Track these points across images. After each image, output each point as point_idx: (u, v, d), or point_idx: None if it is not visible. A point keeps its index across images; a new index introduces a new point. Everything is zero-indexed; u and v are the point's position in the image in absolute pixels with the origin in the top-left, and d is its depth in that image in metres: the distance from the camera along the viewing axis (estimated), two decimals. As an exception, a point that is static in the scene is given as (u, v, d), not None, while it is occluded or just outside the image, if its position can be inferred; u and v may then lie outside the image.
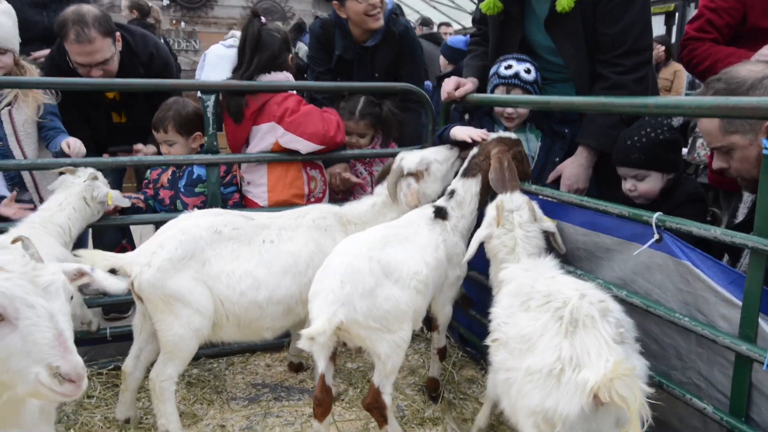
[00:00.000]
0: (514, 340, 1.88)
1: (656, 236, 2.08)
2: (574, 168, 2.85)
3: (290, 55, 3.26)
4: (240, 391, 2.98)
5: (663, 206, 2.56)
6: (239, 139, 3.23)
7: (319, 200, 3.33)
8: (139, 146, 3.57)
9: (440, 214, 2.62)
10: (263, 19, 3.17)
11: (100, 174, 2.88)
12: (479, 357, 3.19)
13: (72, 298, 1.58)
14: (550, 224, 2.40)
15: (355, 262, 2.24)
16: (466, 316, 3.18)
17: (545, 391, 1.68)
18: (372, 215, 2.86)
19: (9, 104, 3.04)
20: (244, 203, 3.32)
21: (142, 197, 3.27)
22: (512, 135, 2.76)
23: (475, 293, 3.06)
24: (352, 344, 2.37)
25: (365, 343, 2.28)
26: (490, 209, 2.40)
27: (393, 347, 2.29)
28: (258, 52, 3.09)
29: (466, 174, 2.68)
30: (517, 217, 2.32)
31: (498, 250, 2.34)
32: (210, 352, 3.16)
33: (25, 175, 3.17)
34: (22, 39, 3.20)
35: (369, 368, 3.08)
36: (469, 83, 3.12)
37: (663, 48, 8.00)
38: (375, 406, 2.33)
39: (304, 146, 3.12)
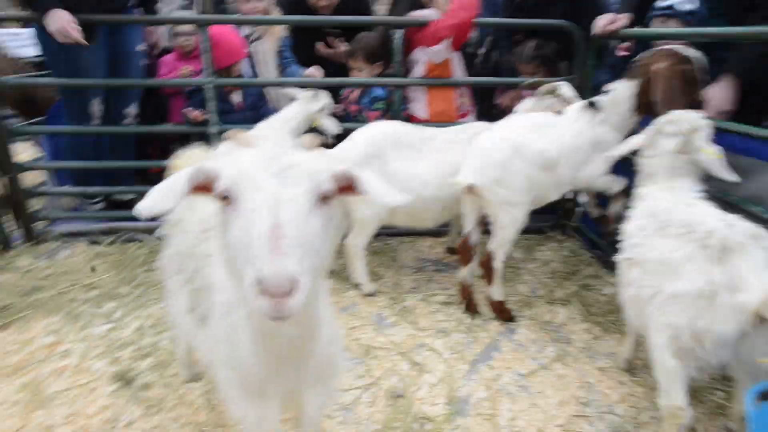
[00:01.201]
0: (652, 263, 1.77)
1: None
2: (719, 92, 2.80)
3: None
4: (409, 262, 3.51)
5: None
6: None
7: (465, 115, 3.73)
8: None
9: (592, 105, 2.75)
10: None
11: (327, 107, 3.43)
12: (604, 257, 3.35)
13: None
14: (706, 156, 2.03)
15: (491, 142, 2.63)
16: (594, 225, 3.35)
17: (695, 312, 1.58)
18: None
19: (257, 39, 3.81)
20: (410, 119, 3.72)
21: (340, 108, 3.86)
22: (688, 49, 2.48)
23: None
24: (485, 211, 2.72)
25: (493, 209, 2.65)
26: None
27: (511, 220, 2.64)
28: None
29: (627, 75, 2.69)
30: (666, 144, 2.09)
31: (643, 169, 2.20)
32: (387, 232, 3.69)
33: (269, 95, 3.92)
34: None
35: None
36: (623, 18, 3.09)
37: None
38: (487, 266, 2.75)
39: (436, 52, 3.43)
